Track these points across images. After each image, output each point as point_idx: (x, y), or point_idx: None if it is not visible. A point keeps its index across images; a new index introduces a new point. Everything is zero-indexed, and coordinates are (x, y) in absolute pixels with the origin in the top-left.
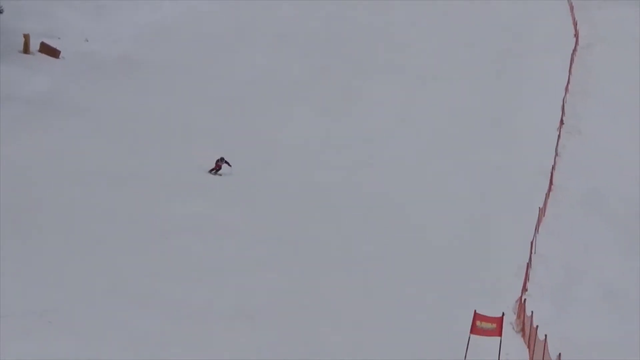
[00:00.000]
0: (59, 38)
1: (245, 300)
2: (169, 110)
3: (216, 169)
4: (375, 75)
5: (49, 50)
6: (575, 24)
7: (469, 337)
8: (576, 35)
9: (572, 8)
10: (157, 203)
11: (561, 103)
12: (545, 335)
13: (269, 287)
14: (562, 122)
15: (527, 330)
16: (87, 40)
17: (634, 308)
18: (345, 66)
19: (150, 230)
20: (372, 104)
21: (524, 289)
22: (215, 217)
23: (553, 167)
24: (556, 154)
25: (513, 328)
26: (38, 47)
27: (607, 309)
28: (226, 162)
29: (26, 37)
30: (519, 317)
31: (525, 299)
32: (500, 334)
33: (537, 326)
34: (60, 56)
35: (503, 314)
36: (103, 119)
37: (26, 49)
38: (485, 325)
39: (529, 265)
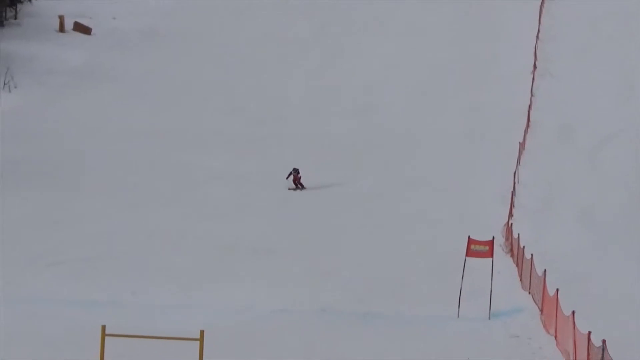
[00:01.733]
0: (90, 17)
1: (265, 238)
2: (187, 74)
3: (296, 183)
4: (365, 31)
5: (82, 28)
6: None
7: (465, 259)
8: None
9: None
10: (185, 156)
11: (533, 49)
12: (532, 255)
13: (286, 226)
14: (535, 66)
15: (515, 251)
16: (115, 18)
17: (603, 223)
18: (340, 24)
19: (181, 180)
20: (364, 57)
21: (510, 215)
22: (237, 167)
23: (529, 106)
24: (532, 94)
25: (502, 250)
26: (72, 26)
27: (581, 227)
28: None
29: (61, 18)
30: (507, 239)
31: (511, 224)
32: (492, 255)
33: (523, 247)
34: (91, 33)
35: (493, 237)
36: (131, 85)
37: (62, 28)
38: (478, 248)
39: (513, 193)
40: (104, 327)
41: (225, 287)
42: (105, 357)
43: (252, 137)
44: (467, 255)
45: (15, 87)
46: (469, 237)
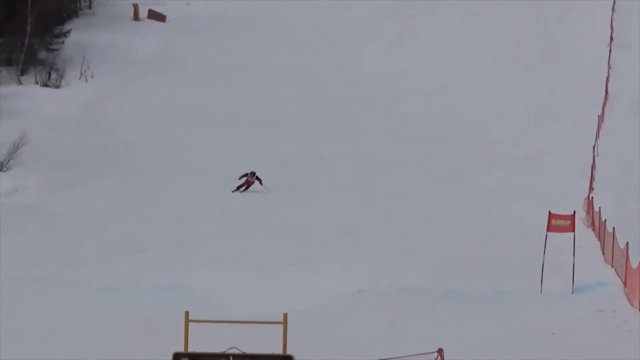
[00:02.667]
0: (164, 4)
1: (342, 219)
2: (261, 58)
3: (245, 186)
4: (435, 10)
5: (156, 16)
6: None
7: (546, 234)
8: None
9: None
10: (259, 141)
11: (609, 22)
12: (613, 228)
13: (363, 207)
14: (611, 38)
15: (597, 225)
16: (189, 4)
17: None
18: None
19: (256, 163)
20: (435, 37)
21: (591, 188)
22: (314, 150)
23: (607, 79)
24: (609, 67)
25: (584, 224)
26: (147, 14)
27: None
28: (257, 179)
29: (135, 6)
30: (588, 213)
31: (592, 197)
32: (573, 230)
33: (605, 220)
34: (166, 20)
35: (574, 211)
36: (205, 71)
37: (136, 17)
38: (559, 223)
39: (593, 166)
40: (187, 314)
41: (304, 270)
42: (189, 343)
43: (326, 120)
44: (548, 230)
45: (92, 77)
46: (549, 212)
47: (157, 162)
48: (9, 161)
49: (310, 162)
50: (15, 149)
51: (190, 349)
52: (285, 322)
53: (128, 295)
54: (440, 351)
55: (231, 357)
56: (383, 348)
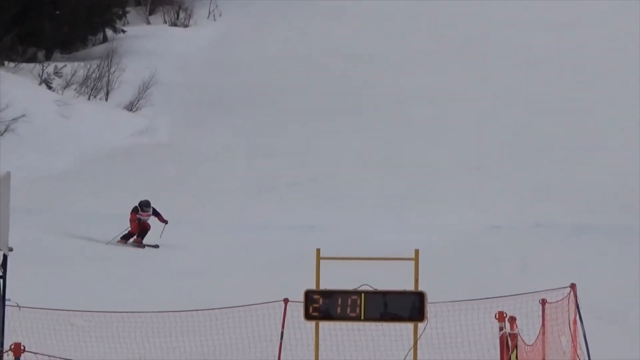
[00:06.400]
0: None
1: (474, 155)
2: None
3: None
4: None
5: None
6: None
7: None
8: None
9: None
10: (388, 78)
11: None
12: None
13: (495, 142)
14: None
15: None
16: None
17: None
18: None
19: (385, 100)
20: None
21: None
22: (443, 85)
23: None
24: None
25: None
26: None
27: None
28: (155, 213)
29: None
30: None
31: None
32: None
33: None
34: None
35: None
36: (332, 6)
37: None
38: None
39: None
40: (318, 251)
41: (436, 206)
42: (320, 280)
43: (456, 54)
44: None
45: (220, 16)
46: None
47: (288, 100)
48: (138, 101)
49: (441, 97)
50: (144, 89)
51: (322, 287)
52: (416, 259)
53: (260, 234)
54: (572, 286)
55: (362, 294)
56: (515, 283)
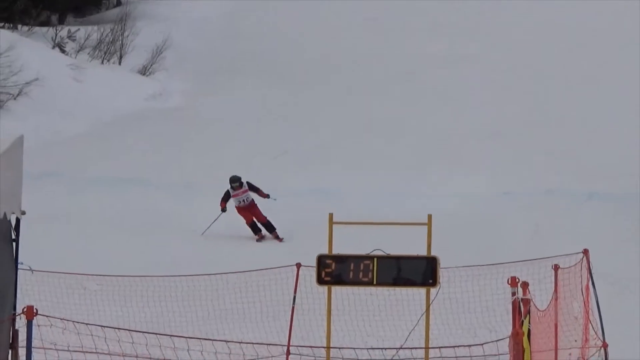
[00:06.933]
0: None
1: (487, 122)
2: None
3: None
4: None
5: None
6: None
7: None
8: None
9: None
10: (408, 43)
11: None
12: None
13: (510, 107)
14: None
15: None
16: None
17: None
18: None
19: (399, 65)
20: None
21: None
22: (455, 51)
23: None
24: None
25: None
26: None
27: None
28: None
29: None
30: None
31: None
32: None
33: None
34: None
35: None
36: None
37: None
38: None
39: None
40: (331, 216)
41: (449, 172)
42: (333, 245)
43: (472, 19)
44: None
45: None
46: None
47: (300, 69)
48: (152, 65)
49: (455, 63)
50: (158, 53)
51: (334, 252)
52: (429, 224)
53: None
54: (585, 252)
55: (375, 259)
56: (528, 249)
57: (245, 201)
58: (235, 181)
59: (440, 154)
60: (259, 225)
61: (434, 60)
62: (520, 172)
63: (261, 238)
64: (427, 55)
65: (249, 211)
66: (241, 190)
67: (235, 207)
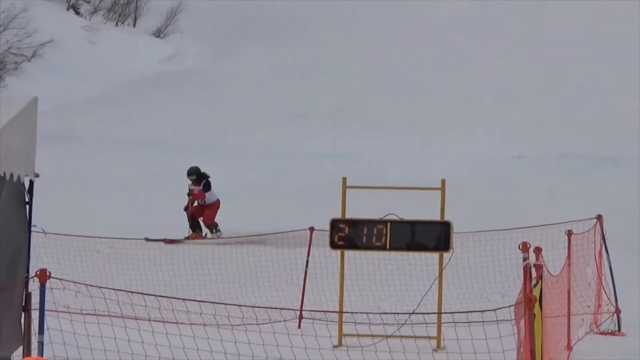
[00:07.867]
0: None
1: (505, 85)
2: None
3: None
4: None
5: None
6: None
7: None
8: None
9: None
10: (423, 5)
11: None
12: None
13: (526, 72)
14: None
15: None
16: None
17: None
18: None
19: (416, 30)
20: None
21: None
22: (480, 15)
23: None
24: None
25: None
26: None
27: None
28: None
29: None
30: None
31: None
32: None
33: None
34: None
35: None
36: None
37: None
38: None
39: None
40: (344, 179)
41: (464, 136)
42: (347, 209)
43: None
44: None
45: None
46: None
47: (319, 29)
48: (166, 27)
49: (472, 28)
50: (172, 15)
51: (348, 215)
52: (443, 188)
53: (287, 162)
54: (599, 217)
55: (388, 223)
56: (542, 213)
57: (201, 202)
58: (192, 174)
59: (455, 118)
60: (202, 224)
61: (453, 25)
62: (535, 137)
63: (175, 242)
64: (447, 20)
65: (201, 209)
66: (197, 189)
67: (189, 198)
